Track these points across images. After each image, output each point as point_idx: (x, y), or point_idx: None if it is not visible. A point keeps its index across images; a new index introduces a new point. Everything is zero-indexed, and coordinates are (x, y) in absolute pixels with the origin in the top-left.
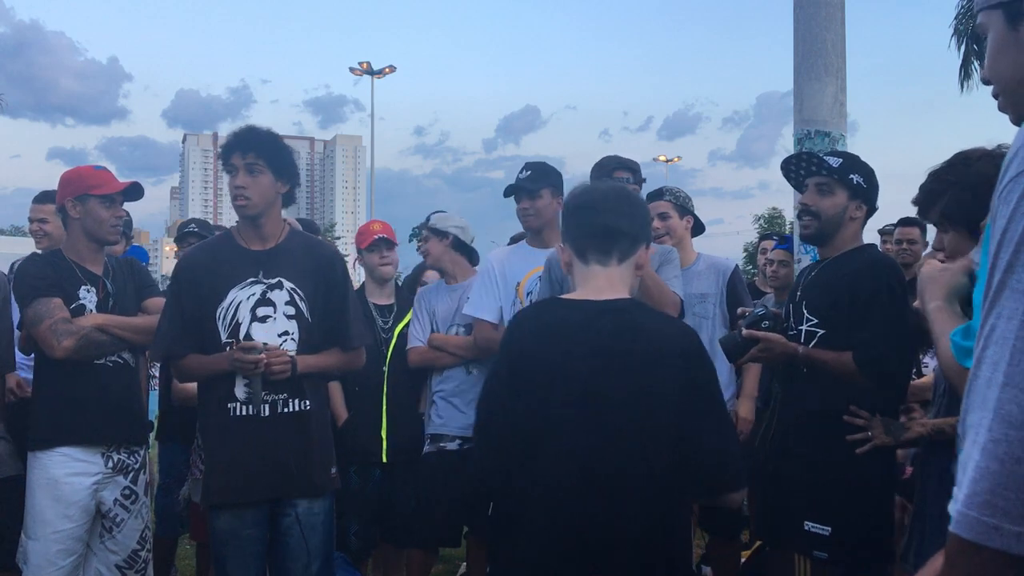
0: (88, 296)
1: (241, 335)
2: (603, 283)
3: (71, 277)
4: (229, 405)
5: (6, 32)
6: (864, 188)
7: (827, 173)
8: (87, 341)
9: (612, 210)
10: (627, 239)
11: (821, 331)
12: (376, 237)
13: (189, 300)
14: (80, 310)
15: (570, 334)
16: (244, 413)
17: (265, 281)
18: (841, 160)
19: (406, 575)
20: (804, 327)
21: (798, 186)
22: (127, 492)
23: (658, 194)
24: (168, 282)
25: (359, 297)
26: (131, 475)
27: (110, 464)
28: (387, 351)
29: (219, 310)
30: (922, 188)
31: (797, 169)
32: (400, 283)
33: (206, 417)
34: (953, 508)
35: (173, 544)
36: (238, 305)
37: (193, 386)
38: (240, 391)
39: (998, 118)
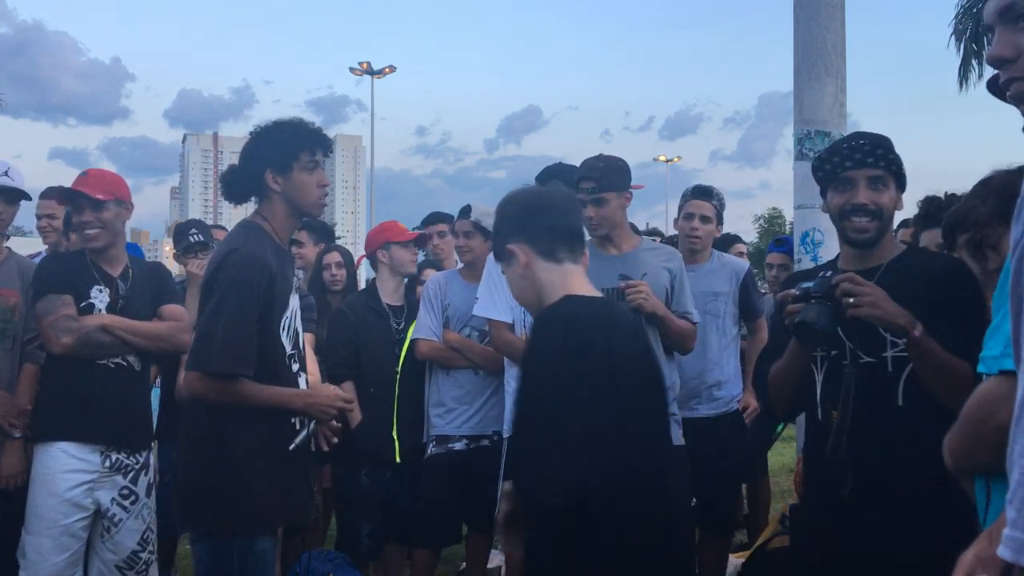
0: (100, 296)
1: (300, 346)
2: (583, 280)
3: (85, 276)
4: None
5: (8, 32)
6: (904, 174)
7: (884, 165)
8: (87, 340)
9: (575, 211)
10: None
11: None
12: (416, 235)
13: (261, 308)
14: (89, 309)
15: (616, 327)
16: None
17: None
18: (885, 148)
19: (410, 575)
20: (889, 353)
21: (841, 180)
22: (125, 492)
23: (706, 194)
24: (227, 286)
25: (371, 297)
26: (130, 475)
27: (107, 463)
28: (400, 352)
29: (283, 320)
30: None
31: (842, 161)
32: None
33: (252, 441)
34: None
35: (173, 544)
36: (295, 313)
37: None
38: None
39: (996, 119)
